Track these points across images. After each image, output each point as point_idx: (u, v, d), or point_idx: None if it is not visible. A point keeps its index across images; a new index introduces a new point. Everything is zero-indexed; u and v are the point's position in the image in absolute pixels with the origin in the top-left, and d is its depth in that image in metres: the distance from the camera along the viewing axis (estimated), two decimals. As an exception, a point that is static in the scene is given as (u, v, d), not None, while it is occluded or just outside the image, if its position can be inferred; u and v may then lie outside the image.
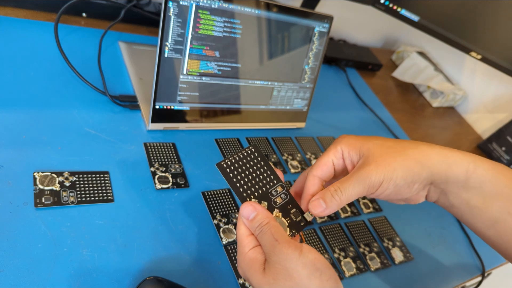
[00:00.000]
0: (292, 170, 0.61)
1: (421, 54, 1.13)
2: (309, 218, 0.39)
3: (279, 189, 0.40)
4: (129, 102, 0.56)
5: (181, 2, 0.47)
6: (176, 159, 0.52)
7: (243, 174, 0.39)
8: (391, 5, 0.84)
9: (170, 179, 0.50)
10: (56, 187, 0.42)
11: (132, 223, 0.44)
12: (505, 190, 0.36)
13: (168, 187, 0.49)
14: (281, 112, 0.66)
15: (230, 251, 0.46)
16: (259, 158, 0.40)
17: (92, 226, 0.41)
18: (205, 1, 0.49)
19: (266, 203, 0.38)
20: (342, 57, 0.95)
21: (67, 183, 0.43)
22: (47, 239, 0.38)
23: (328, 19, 0.61)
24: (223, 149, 0.57)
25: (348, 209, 0.60)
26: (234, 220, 0.49)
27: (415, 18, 0.83)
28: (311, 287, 0.33)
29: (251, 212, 0.36)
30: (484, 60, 0.81)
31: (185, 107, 0.55)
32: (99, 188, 0.44)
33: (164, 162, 0.51)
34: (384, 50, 1.23)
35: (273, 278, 0.33)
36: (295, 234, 0.39)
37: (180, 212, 0.47)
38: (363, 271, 0.53)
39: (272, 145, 0.63)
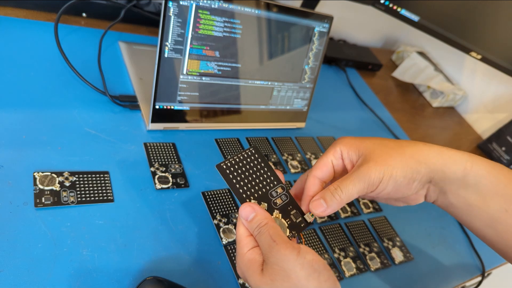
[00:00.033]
0: (292, 170, 0.61)
1: (421, 54, 1.13)
2: (309, 219, 0.39)
3: (279, 190, 0.40)
4: (129, 102, 0.56)
5: (181, 2, 0.47)
6: (176, 159, 0.52)
7: (243, 175, 0.39)
8: (391, 5, 0.84)
9: (170, 179, 0.50)
10: (56, 187, 0.42)
11: (132, 223, 0.44)
12: (503, 188, 0.36)
13: (168, 187, 0.49)
14: (281, 112, 0.66)
15: (230, 251, 0.46)
16: (260, 160, 0.40)
17: (92, 226, 0.41)
18: (205, 1, 0.49)
19: (266, 204, 0.38)
20: (342, 57, 0.95)
21: (67, 183, 0.43)
22: (47, 239, 0.38)
23: (328, 19, 0.61)
24: (223, 149, 0.57)
25: (348, 209, 0.60)
26: (234, 220, 0.49)
27: (415, 18, 0.83)
28: None
29: (249, 213, 0.36)
30: (484, 60, 0.81)
31: (185, 107, 0.55)
32: (99, 188, 0.44)
33: (164, 162, 0.51)
34: (384, 50, 1.23)
35: (271, 279, 0.33)
36: (295, 235, 0.39)
37: (180, 212, 0.47)
38: (363, 271, 0.53)
39: (272, 145, 0.63)
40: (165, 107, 0.54)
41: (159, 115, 0.54)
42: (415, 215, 0.66)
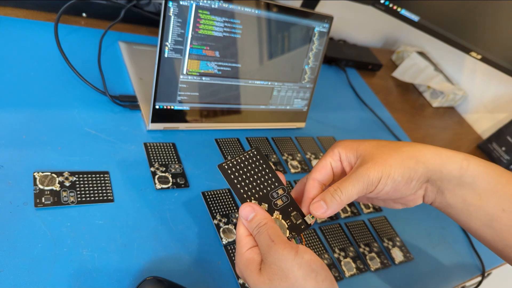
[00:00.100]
0: (292, 170, 0.61)
1: (421, 54, 1.13)
2: (310, 221, 0.39)
3: (280, 191, 0.40)
4: (129, 102, 0.56)
5: (181, 2, 0.47)
6: (176, 159, 0.52)
7: (244, 176, 0.39)
8: (391, 5, 0.84)
9: (170, 179, 0.50)
10: (56, 187, 0.42)
11: (132, 223, 0.44)
12: (499, 187, 0.37)
13: (168, 187, 0.49)
14: (281, 112, 0.66)
15: (230, 251, 0.46)
16: (261, 161, 0.40)
17: (92, 226, 0.41)
18: (205, 1, 0.49)
19: (266, 205, 0.38)
20: (342, 57, 0.95)
21: (67, 183, 0.43)
22: (47, 239, 0.38)
23: (328, 19, 0.61)
24: (223, 149, 0.58)
25: (348, 209, 0.60)
26: (234, 220, 0.49)
27: (415, 18, 0.83)
28: None
29: (249, 212, 0.36)
30: (484, 60, 0.81)
31: (185, 107, 0.55)
32: (99, 188, 0.45)
33: (164, 162, 0.51)
34: (384, 50, 1.23)
35: (269, 279, 0.33)
36: (295, 237, 0.39)
37: (180, 212, 0.47)
38: (363, 271, 0.53)
39: (272, 145, 0.63)
40: (165, 107, 0.54)
41: (159, 115, 0.54)
42: (415, 215, 0.66)
